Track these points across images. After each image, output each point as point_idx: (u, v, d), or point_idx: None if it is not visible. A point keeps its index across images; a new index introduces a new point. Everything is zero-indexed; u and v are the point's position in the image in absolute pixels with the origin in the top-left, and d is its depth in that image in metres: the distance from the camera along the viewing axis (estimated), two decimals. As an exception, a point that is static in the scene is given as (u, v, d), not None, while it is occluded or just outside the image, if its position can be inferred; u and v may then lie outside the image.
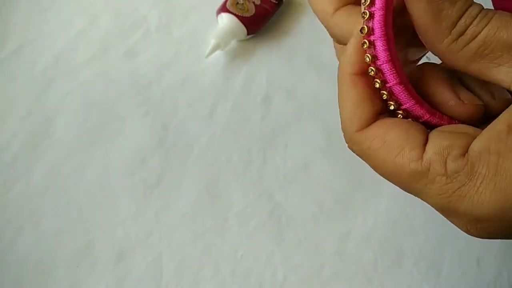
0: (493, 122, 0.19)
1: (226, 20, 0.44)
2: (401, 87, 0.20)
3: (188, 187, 0.38)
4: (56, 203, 0.38)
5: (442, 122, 0.21)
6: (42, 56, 0.44)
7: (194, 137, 0.40)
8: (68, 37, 0.46)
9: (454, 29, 0.19)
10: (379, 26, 0.20)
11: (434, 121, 0.21)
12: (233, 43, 0.45)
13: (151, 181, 0.39)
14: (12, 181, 0.38)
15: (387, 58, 0.20)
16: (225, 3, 0.45)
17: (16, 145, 0.40)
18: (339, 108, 0.22)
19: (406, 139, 0.19)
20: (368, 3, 0.20)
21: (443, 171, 0.18)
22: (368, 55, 0.20)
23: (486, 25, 0.19)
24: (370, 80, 0.21)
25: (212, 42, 0.43)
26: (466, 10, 0.19)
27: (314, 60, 0.44)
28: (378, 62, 0.20)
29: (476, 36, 0.19)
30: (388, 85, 0.20)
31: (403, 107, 0.21)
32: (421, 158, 0.19)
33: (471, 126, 0.20)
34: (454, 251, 0.36)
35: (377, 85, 0.20)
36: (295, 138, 0.40)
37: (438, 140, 0.19)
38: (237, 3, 0.44)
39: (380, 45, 0.20)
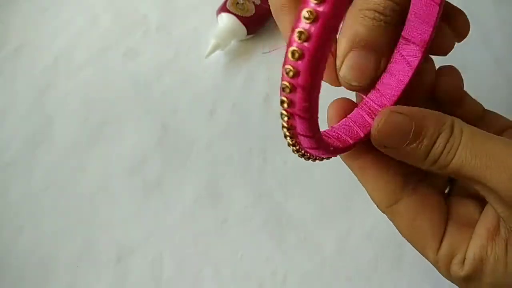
0: (478, 224, 0.23)
1: (226, 20, 0.44)
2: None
3: (188, 187, 0.38)
4: (56, 203, 0.38)
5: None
6: (42, 56, 0.45)
7: (194, 137, 0.40)
8: (68, 37, 0.46)
9: (426, 160, 0.21)
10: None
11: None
12: (233, 43, 0.45)
13: (151, 181, 0.39)
14: (12, 181, 0.38)
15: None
16: (225, 3, 0.45)
17: (16, 145, 0.40)
18: (364, 184, 0.25)
19: (430, 231, 0.23)
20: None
21: (447, 272, 0.23)
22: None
23: (452, 158, 0.21)
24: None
25: (212, 42, 0.43)
26: (433, 145, 0.21)
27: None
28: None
29: (446, 166, 0.21)
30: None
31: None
32: (437, 252, 0.23)
33: (475, 208, 0.24)
34: (454, 251, 0.36)
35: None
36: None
37: (449, 239, 0.23)
38: (237, 3, 0.44)
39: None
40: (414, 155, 0.22)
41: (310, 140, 0.19)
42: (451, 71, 0.25)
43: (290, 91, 0.16)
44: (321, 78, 0.16)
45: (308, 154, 0.21)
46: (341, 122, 0.24)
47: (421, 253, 0.24)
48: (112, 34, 0.46)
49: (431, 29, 0.23)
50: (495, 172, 0.20)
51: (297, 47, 0.15)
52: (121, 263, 0.36)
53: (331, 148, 0.21)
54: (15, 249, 0.36)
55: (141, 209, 0.38)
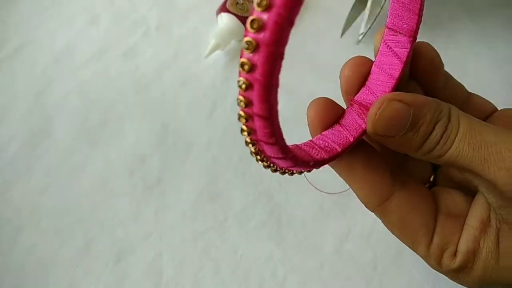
0: (469, 216, 0.23)
1: (226, 20, 0.44)
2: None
3: (188, 187, 0.38)
4: (56, 203, 0.38)
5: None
6: (42, 56, 0.45)
7: (194, 137, 0.40)
8: (68, 37, 0.46)
9: (421, 149, 0.21)
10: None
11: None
12: (233, 43, 0.45)
13: (151, 181, 0.39)
14: (12, 181, 0.38)
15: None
16: (225, 3, 0.45)
17: (16, 145, 0.40)
18: (352, 185, 0.24)
19: (422, 225, 0.23)
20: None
21: (438, 265, 0.23)
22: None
23: (449, 148, 0.21)
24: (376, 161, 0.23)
25: (212, 42, 0.43)
26: (430, 134, 0.21)
27: (314, 60, 0.44)
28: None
29: (441, 156, 0.21)
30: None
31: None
32: (429, 246, 0.23)
33: (462, 199, 0.24)
34: (454, 251, 0.36)
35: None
36: (295, 138, 0.40)
37: (441, 232, 0.23)
38: (237, 3, 0.44)
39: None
40: (410, 144, 0.21)
41: (272, 148, 0.17)
42: (424, 45, 0.24)
43: (246, 88, 0.15)
44: (278, 74, 0.15)
45: (278, 167, 0.20)
46: (330, 128, 0.23)
47: (410, 248, 0.24)
48: (112, 34, 0.46)
49: (416, 16, 0.22)
50: (492, 165, 0.20)
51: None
52: (121, 263, 0.36)
53: (311, 163, 0.20)
54: (15, 249, 0.36)
55: (141, 209, 0.38)
